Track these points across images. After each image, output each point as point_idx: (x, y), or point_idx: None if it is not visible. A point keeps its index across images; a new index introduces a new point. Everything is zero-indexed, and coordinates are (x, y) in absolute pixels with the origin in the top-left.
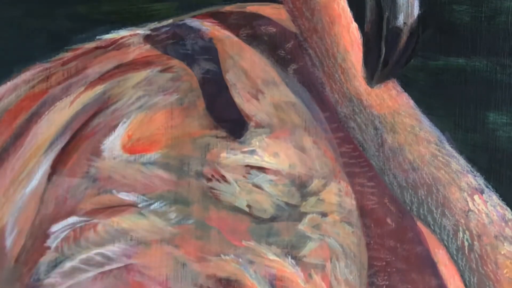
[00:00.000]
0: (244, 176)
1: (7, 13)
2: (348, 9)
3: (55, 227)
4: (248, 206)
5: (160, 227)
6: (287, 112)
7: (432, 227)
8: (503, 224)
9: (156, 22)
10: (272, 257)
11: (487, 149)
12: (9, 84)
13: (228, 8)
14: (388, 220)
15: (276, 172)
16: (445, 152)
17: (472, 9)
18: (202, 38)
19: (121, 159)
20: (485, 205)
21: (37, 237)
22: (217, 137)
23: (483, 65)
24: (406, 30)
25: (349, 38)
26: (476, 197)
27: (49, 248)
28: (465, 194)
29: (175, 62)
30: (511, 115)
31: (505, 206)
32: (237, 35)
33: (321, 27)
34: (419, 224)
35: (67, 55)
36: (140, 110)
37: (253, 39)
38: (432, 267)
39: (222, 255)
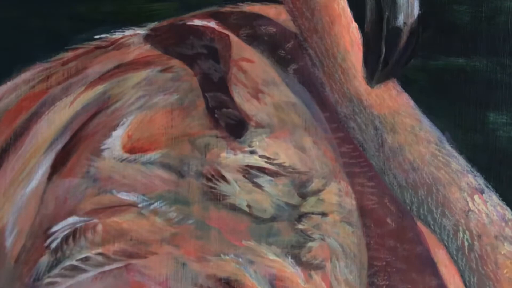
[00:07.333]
0: (244, 176)
1: (7, 13)
2: (348, 9)
3: (55, 227)
4: (248, 206)
5: (160, 227)
6: (287, 112)
7: (432, 227)
8: (503, 224)
9: (156, 22)
10: (272, 257)
11: (487, 149)
12: (9, 84)
13: (228, 8)
14: (388, 220)
15: (276, 172)
16: (445, 152)
17: (472, 9)
18: (202, 38)
19: (121, 159)
20: (485, 205)
21: (37, 237)
22: (217, 137)
23: (483, 65)
24: (406, 30)
25: (349, 38)
26: (476, 197)
27: (49, 248)
28: (465, 194)
29: (175, 62)
30: (511, 115)
31: (505, 206)
32: (237, 35)
33: (321, 27)
34: (419, 224)
35: (67, 55)
36: (140, 110)
37: (253, 39)
38: (432, 267)
39: (222, 255)
